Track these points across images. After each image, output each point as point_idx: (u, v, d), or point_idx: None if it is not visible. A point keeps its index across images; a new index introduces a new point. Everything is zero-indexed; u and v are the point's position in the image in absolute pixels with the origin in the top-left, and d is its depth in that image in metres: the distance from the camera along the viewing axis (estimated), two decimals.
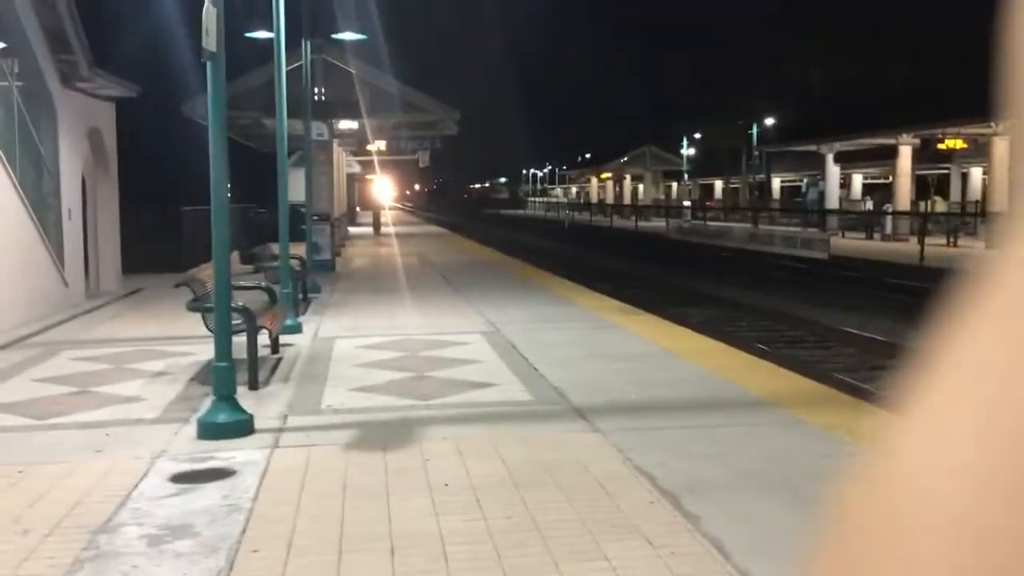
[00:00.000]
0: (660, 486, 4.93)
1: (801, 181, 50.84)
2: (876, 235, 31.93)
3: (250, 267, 12.46)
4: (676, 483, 4.97)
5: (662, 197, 68.43)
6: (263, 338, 8.10)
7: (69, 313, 12.28)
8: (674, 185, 72.23)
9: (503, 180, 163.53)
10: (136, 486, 5.07)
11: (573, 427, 6.26)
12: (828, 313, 16.44)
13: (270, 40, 11.86)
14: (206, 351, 8.25)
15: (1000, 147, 27.34)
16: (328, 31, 19.85)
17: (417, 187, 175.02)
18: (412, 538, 4.26)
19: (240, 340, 7.08)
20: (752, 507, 4.62)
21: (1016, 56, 0.32)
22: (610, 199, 70.35)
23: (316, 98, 18.76)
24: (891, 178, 35.59)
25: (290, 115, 11.72)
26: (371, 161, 35.56)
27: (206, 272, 8.00)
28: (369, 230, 36.55)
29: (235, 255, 11.42)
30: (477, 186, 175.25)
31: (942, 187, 38.51)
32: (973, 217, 31.34)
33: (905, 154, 32.94)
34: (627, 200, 69.49)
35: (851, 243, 29.39)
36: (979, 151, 31.16)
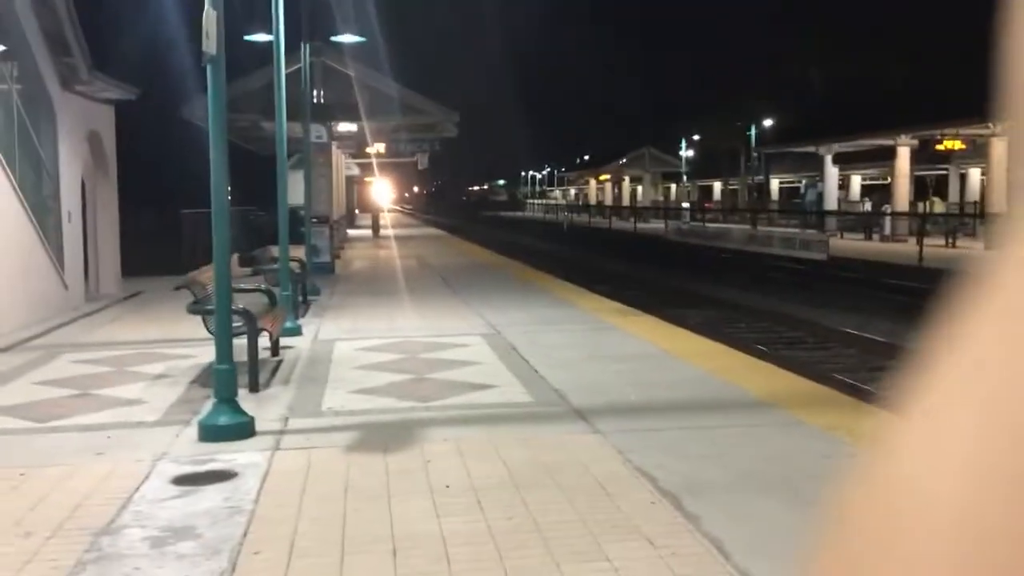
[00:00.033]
0: (660, 487, 4.95)
1: (800, 182, 50.90)
2: (875, 236, 31.96)
3: (248, 269, 12.45)
4: (676, 484, 4.98)
5: (661, 199, 68.47)
6: (263, 340, 8.12)
7: (69, 316, 12.29)
8: (673, 187, 72.27)
9: (501, 183, 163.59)
10: (138, 488, 5.08)
11: (573, 428, 6.27)
12: (827, 314, 16.45)
13: (268, 43, 11.87)
14: (206, 354, 8.26)
15: (998, 148, 27.39)
16: (327, 34, 19.87)
17: (416, 189, 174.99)
18: (414, 539, 4.27)
19: (240, 343, 7.09)
20: (752, 507, 4.64)
21: (1015, 57, 0.32)
22: (609, 201, 70.39)
23: (315, 101, 18.78)
24: (890, 179, 35.63)
25: (289, 118, 11.72)
26: (370, 163, 35.54)
27: (206, 275, 8.01)
28: (368, 232, 36.54)
29: (234, 257, 11.42)
30: (476, 188, 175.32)
31: (940, 188, 38.55)
32: (972, 218, 31.37)
33: (903, 155, 32.98)
34: (626, 202, 69.52)
35: (850, 244, 29.42)
36: (977, 152, 31.20)
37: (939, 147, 31.04)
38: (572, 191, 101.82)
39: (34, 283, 11.82)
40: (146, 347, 9.82)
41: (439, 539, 4.27)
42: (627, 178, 71.20)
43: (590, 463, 5.40)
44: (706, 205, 57.22)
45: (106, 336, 10.82)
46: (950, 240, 27.01)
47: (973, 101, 22.93)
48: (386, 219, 45.14)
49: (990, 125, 26.45)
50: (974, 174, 36.07)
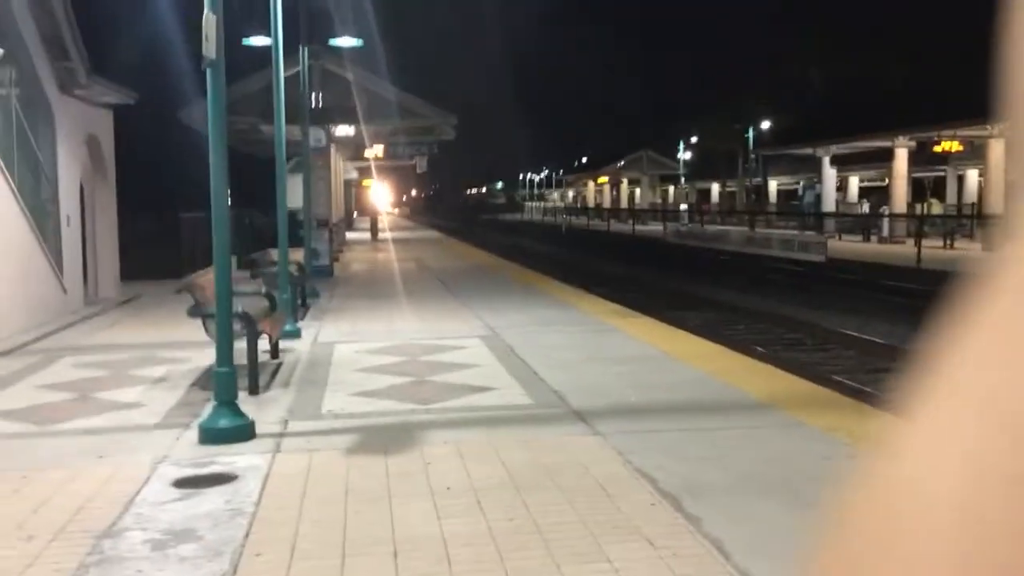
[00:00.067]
0: (661, 488, 4.96)
1: (798, 184, 50.94)
2: (873, 237, 32.00)
3: (247, 272, 12.46)
4: (676, 485, 4.99)
5: (659, 201, 68.57)
6: (263, 343, 8.13)
7: (68, 320, 12.29)
8: (671, 189, 72.38)
9: (499, 185, 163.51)
10: (139, 491, 5.08)
11: (573, 430, 6.28)
12: (826, 316, 16.46)
13: (266, 46, 11.87)
14: (205, 357, 8.27)
15: (996, 149, 27.46)
16: (325, 37, 19.90)
17: (414, 192, 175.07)
18: (414, 541, 4.29)
19: (240, 346, 7.10)
20: (752, 509, 4.65)
21: (1015, 58, 0.32)
22: (607, 203, 70.47)
23: (313, 104, 18.79)
24: (887, 180, 35.69)
25: (288, 121, 11.73)
26: (368, 167, 35.59)
27: (206, 278, 8.01)
28: (367, 235, 36.55)
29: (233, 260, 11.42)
30: (474, 191, 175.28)
31: (938, 189, 38.58)
32: (969, 219, 31.43)
33: (901, 156, 33.03)
34: (624, 204, 69.61)
35: (848, 245, 29.46)
36: (975, 153, 31.24)
37: (937, 148, 31.09)
38: (570, 193, 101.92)
39: (33, 287, 11.83)
40: (146, 350, 9.82)
41: (440, 541, 4.28)
42: (625, 180, 71.35)
43: (590, 464, 5.41)
44: (704, 207, 57.27)
45: (106, 340, 10.83)
46: (948, 241, 27.05)
47: (972, 102, 22.96)
48: (384, 222, 45.18)
49: (988, 126, 26.51)
50: (972, 175, 36.12)
